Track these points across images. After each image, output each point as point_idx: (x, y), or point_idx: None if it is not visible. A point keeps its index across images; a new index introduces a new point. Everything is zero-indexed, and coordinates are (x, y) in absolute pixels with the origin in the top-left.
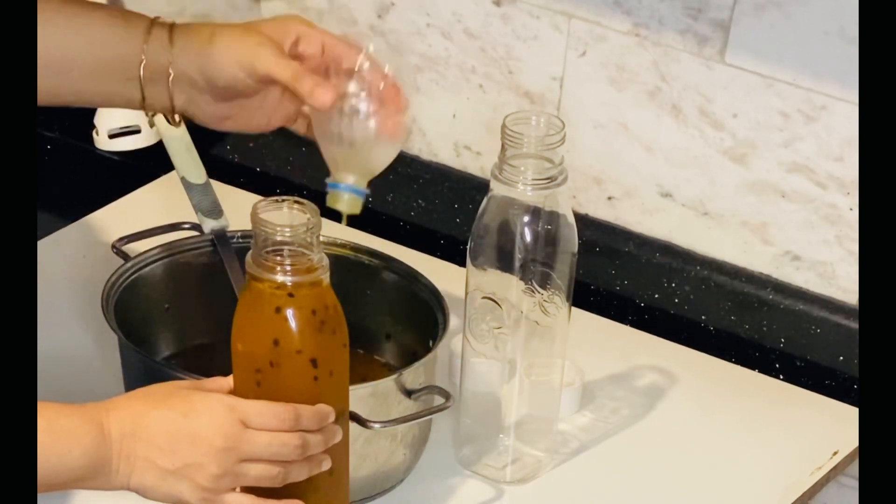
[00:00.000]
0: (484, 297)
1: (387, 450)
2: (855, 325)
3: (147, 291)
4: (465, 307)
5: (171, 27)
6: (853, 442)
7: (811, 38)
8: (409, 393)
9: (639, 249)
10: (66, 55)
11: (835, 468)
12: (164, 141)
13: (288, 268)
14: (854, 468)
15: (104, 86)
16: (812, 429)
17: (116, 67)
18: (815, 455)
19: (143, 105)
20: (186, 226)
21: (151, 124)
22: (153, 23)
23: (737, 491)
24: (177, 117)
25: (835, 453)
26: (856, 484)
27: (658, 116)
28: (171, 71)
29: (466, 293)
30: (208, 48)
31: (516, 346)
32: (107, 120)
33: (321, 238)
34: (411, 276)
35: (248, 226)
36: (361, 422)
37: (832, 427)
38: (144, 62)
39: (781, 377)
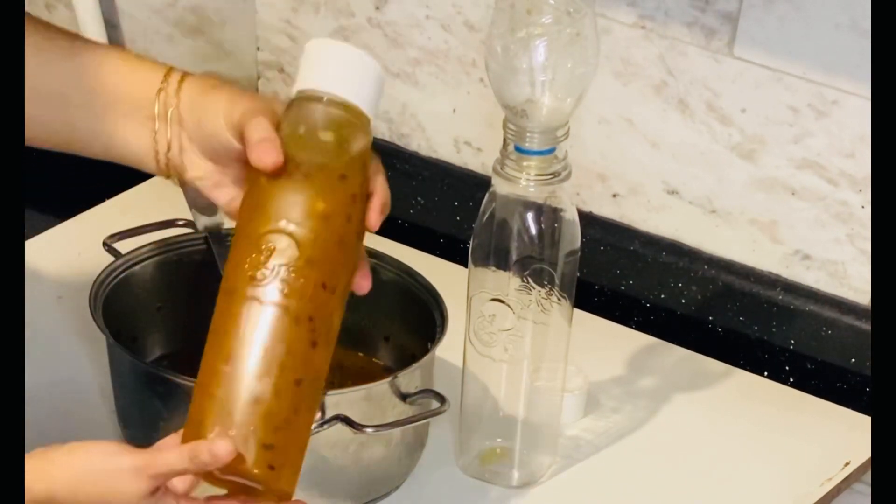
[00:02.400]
0: (493, 300)
1: (381, 455)
2: (867, 326)
3: (138, 290)
4: (467, 309)
5: (184, 75)
6: (865, 452)
7: (822, 31)
8: (403, 397)
9: (644, 248)
10: (64, 91)
11: (846, 479)
12: None
13: None
14: (867, 476)
15: (109, 124)
16: (823, 438)
17: (122, 106)
18: (827, 465)
19: (151, 146)
20: (181, 223)
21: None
22: (170, 70)
23: (744, 501)
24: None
25: (846, 464)
26: (869, 490)
27: (664, 111)
28: (169, 111)
29: (469, 295)
30: (207, 94)
31: (525, 349)
32: None
33: None
34: (410, 276)
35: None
36: (354, 426)
37: (844, 436)
38: (158, 105)
39: (791, 379)
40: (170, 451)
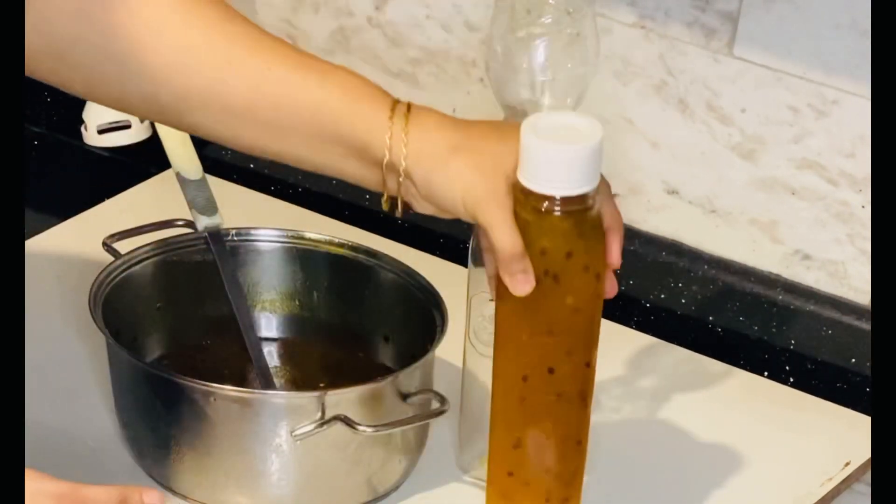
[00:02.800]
0: (493, 300)
1: (381, 456)
2: (867, 325)
3: (138, 290)
4: (467, 309)
5: (408, 112)
6: (865, 452)
7: (822, 31)
8: (404, 397)
9: (644, 248)
10: (287, 118)
11: (846, 479)
12: (160, 134)
13: None
14: (867, 476)
15: (329, 159)
16: (823, 438)
17: (348, 146)
18: (827, 465)
19: (378, 189)
20: (180, 223)
21: (142, 119)
22: (394, 106)
23: (744, 500)
24: None
25: (847, 464)
26: (869, 491)
27: (664, 111)
28: (401, 169)
29: (469, 295)
30: (441, 169)
31: None
32: (96, 114)
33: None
34: (409, 276)
35: (241, 223)
36: (354, 426)
37: (844, 436)
38: (388, 158)
39: (791, 379)
40: (99, 488)
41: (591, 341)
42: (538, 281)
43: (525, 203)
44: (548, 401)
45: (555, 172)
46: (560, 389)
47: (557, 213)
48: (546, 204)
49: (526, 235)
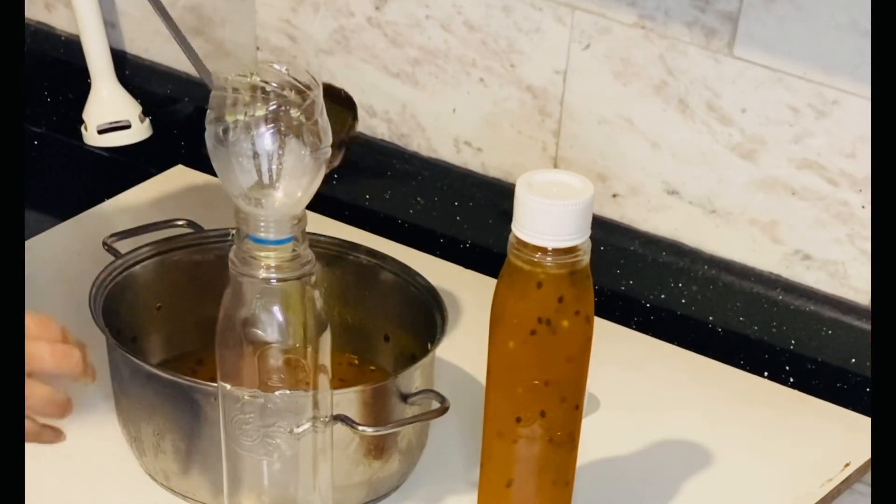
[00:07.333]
0: None
1: (381, 456)
2: (867, 325)
3: (138, 290)
4: None
5: None
6: (865, 453)
7: (822, 31)
8: (404, 397)
9: (644, 248)
10: None
11: (846, 480)
12: None
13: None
14: (867, 477)
15: None
16: (823, 439)
17: None
18: (827, 466)
19: None
20: (181, 223)
21: (142, 119)
22: None
23: (744, 501)
24: None
25: (846, 465)
26: (869, 491)
27: (664, 111)
28: None
29: None
30: None
31: None
32: (96, 115)
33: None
34: (409, 276)
35: (225, 223)
36: (354, 426)
37: (844, 437)
38: None
39: (791, 380)
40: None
41: (582, 385)
42: (533, 329)
43: (520, 253)
44: (540, 443)
45: (547, 225)
46: (552, 433)
47: (549, 263)
48: (539, 254)
49: (520, 283)
